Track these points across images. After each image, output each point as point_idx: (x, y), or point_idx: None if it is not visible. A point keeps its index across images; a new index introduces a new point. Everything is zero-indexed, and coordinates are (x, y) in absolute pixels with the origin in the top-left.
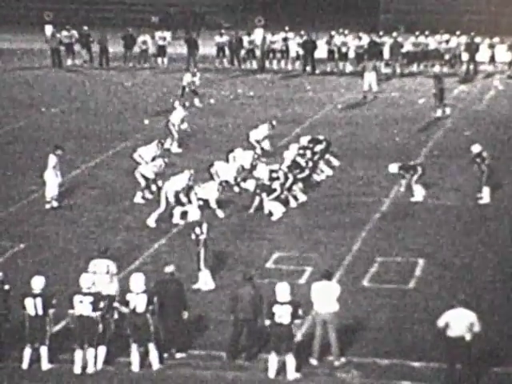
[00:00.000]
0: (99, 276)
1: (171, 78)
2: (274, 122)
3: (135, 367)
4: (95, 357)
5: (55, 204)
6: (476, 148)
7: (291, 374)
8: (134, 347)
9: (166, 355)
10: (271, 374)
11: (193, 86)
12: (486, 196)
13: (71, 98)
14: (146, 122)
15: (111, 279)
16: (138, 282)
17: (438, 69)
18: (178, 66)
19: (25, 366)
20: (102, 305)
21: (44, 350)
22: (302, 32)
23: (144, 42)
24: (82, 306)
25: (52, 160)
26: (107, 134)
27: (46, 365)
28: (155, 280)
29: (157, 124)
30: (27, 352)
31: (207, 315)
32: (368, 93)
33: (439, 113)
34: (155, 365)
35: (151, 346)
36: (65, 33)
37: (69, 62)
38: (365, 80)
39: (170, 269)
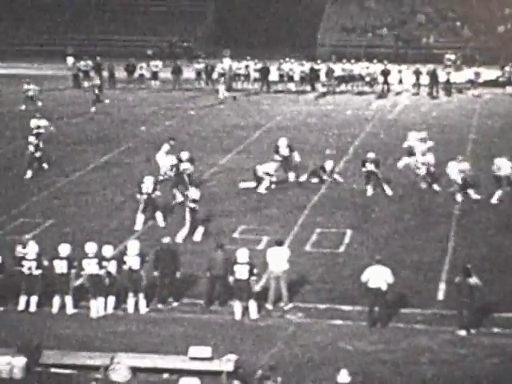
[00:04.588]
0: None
1: (161, 96)
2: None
3: (130, 310)
4: (105, 304)
5: (166, 176)
6: (371, 154)
7: (253, 314)
8: (130, 296)
9: (164, 304)
10: (237, 316)
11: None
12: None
13: (86, 112)
14: (143, 128)
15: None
16: (134, 246)
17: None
18: (167, 87)
19: (55, 310)
20: (107, 264)
21: (68, 299)
22: (257, 60)
23: (141, 69)
24: (91, 267)
25: (165, 147)
26: (114, 137)
27: (70, 310)
28: (156, 248)
29: (150, 130)
30: (56, 300)
31: (191, 273)
32: None
33: None
34: (143, 309)
35: (141, 295)
36: (82, 62)
37: (85, 84)
38: None
39: (166, 240)
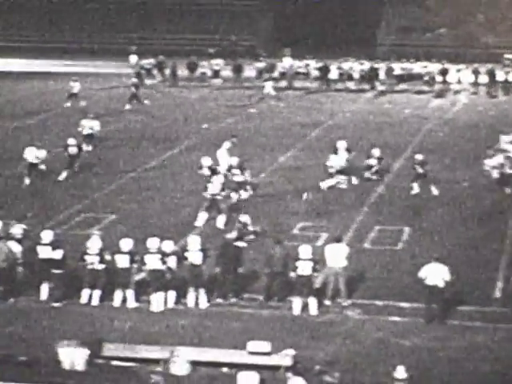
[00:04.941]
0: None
1: (223, 94)
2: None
3: (190, 304)
4: (165, 299)
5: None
6: (418, 156)
7: (313, 310)
8: (190, 290)
9: (224, 299)
10: (296, 311)
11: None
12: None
13: (150, 108)
14: (204, 125)
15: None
16: (195, 242)
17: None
18: (228, 85)
19: (116, 304)
20: (168, 260)
21: (130, 293)
22: (317, 59)
23: (203, 67)
24: (153, 262)
25: (226, 144)
26: (175, 135)
27: (131, 304)
28: (220, 243)
29: (212, 127)
30: (118, 294)
31: (250, 269)
32: None
33: None
34: (203, 304)
35: (202, 291)
36: (145, 60)
37: (148, 82)
38: None
39: (231, 235)
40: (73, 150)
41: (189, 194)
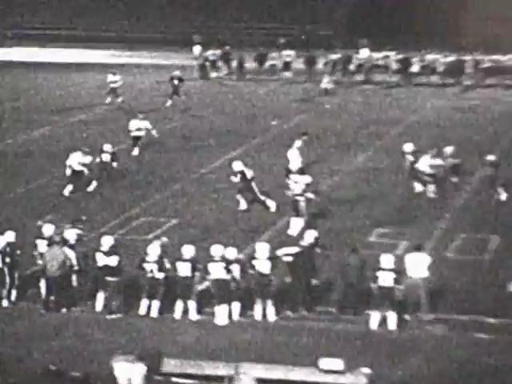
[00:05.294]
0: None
1: (294, 88)
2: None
3: (258, 317)
4: (230, 311)
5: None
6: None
7: (392, 325)
8: (257, 302)
9: (294, 312)
10: (373, 325)
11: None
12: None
13: (214, 104)
14: (274, 122)
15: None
16: (263, 249)
17: None
18: (300, 79)
19: (177, 316)
20: (232, 268)
21: (192, 304)
22: (398, 51)
23: (273, 59)
24: (217, 271)
25: (297, 143)
26: (242, 132)
27: (193, 316)
28: (292, 251)
29: (282, 124)
30: (179, 305)
31: (323, 279)
32: None
33: None
34: (271, 317)
35: (270, 302)
36: (210, 51)
37: (213, 74)
38: None
39: (304, 242)
40: (106, 158)
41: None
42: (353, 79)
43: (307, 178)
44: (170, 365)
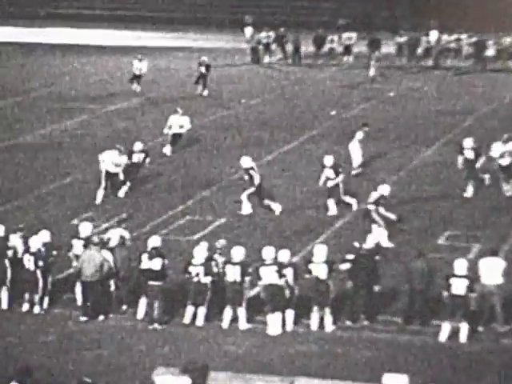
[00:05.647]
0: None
1: (355, 74)
2: None
3: (314, 327)
4: (283, 319)
5: (359, 170)
6: None
7: (463, 338)
8: (314, 310)
9: (354, 321)
10: (443, 338)
11: None
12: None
13: (267, 91)
14: (333, 112)
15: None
16: (320, 252)
17: None
18: (362, 64)
19: (225, 325)
20: (285, 273)
21: (242, 312)
22: (471, 33)
23: (331, 42)
24: (269, 275)
25: (359, 135)
26: (297, 123)
27: (243, 325)
28: (352, 254)
29: (341, 115)
30: (227, 313)
31: (387, 285)
32: None
33: None
34: (329, 327)
35: (327, 310)
36: (263, 34)
37: (266, 59)
38: None
39: (368, 245)
40: (139, 158)
41: (313, 195)
42: (421, 64)
43: (385, 188)
44: (216, 379)
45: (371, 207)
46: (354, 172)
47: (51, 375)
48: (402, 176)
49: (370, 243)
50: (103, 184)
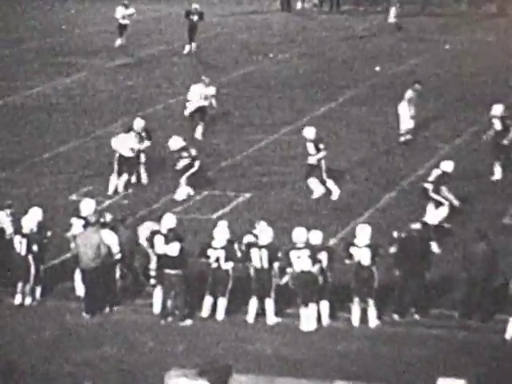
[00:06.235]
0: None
1: (404, 23)
2: None
3: (355, 322)
4: (318, 313)
5: (408, 137)
6: None
7: None
8: (355, 301)
9: (403, 315)
10: (509, 335)
11: None
12: None
13: (299, 43)
14: (377, 68)
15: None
16: (364, 234)
17: None
18: (413, 11)
19: (250, 319)
20: (319, 257)
21: (270, 303)
22: None
23: None
24: (301, 262)
25: (409, 94)
26: (335, 81)
27: (271, 319)
28: (400, 236)
29: (387, 71)
30: (252, 305)
31: (441, 273)
32: None
33: None
34: (372, 322)
35: (371, 302)
36: None
37: (298, 5)
38: None
39: (416, 226)
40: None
41: (354, 166)
42: (482, 11)
43: (448, 165)
44: (239, 382)
45: (429, 186)
46: (401, 138)
47: (46, 378)
48: (462, 143)
49: (422, 224)
50: (116, 168)
